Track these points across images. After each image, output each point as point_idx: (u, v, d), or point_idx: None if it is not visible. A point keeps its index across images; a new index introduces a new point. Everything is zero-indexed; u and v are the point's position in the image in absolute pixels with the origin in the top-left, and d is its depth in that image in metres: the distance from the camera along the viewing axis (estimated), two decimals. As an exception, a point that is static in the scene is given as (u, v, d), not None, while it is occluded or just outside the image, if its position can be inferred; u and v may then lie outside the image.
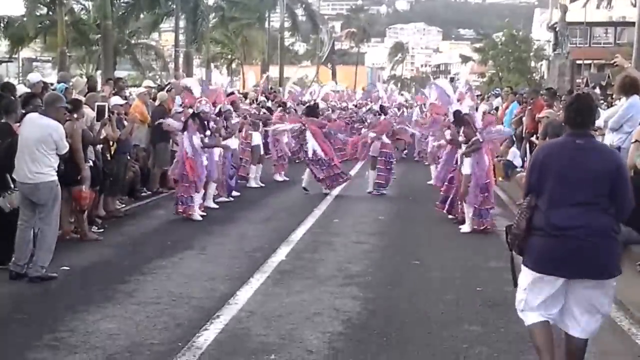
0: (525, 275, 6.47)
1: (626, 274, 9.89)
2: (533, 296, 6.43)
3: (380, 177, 19.63)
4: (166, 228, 14.52)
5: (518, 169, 20.86)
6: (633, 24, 25.99)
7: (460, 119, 14.95)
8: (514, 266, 6.67)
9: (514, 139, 21.75)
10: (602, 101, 17.40)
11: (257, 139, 21.03)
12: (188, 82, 17.37)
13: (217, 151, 16.34)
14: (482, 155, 14.33)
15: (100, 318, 8.57)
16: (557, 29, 48.46)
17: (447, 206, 15.56)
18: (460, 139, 14.95)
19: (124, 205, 16.25)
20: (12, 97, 11.90)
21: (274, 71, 62.89)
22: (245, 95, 23.93)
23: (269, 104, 26.07)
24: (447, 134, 15.92)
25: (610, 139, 12.05)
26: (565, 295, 6.36)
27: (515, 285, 6.61)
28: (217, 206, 16.61)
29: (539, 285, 6.36)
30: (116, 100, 15.73)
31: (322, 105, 25.83)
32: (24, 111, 11.14)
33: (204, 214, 15.50)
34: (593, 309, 6.34)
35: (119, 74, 41.35)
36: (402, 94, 41.28)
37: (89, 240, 12.62)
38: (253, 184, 20.55)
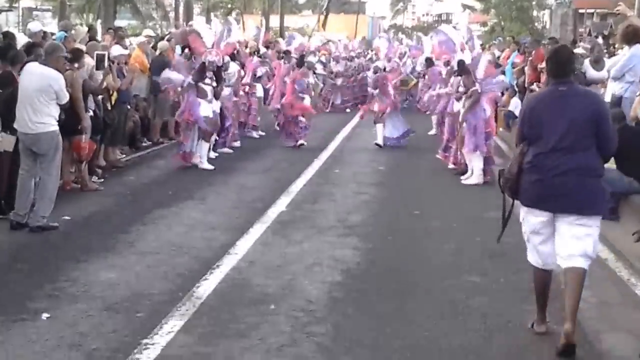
0: (521, 212, 7.02)
1: (626, 225, 9.98)
2: (528, 228, 6.96)
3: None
4: (166, 178, 14.51)
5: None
6: (638, -29, 25.73)
7: (464, 69, 14.87)
8: (505, 210, 7.36)
9: (516, 89, 21.63)
10: (605, 51, 17.20)
11: (259, 90, 20.96)
12: (200, 27, 17.19)
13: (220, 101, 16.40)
14: (482, 105, 14.30)
15: (101, 268, 8.59)
16: (559, -23, 48.14)
17: (450, 157, 15.56)
18: (461, 89, 14.93)
19: (124, 156, 16.22)
20: (18, 49, 11.81)
21: (274, 20, 62.51)
22: (246, 45, 23.76)
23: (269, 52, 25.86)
24: (449, 86, 15.95)
25: (612, 88, 12.02)
26: (554, 234, 6.71)
27: (504, 226, 7.44)
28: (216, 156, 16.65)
29: (531, 220, 6.85)
30: (117, 49, 15.62)
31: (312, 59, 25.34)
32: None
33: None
34: (579, 245, 6.55)
35: (119, 23, 41.05)
36: (403, 41, 40.93)
37: (90, 190, 12.62)
38: (254, 134, 20.51)
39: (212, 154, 16.44)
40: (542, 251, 6.84)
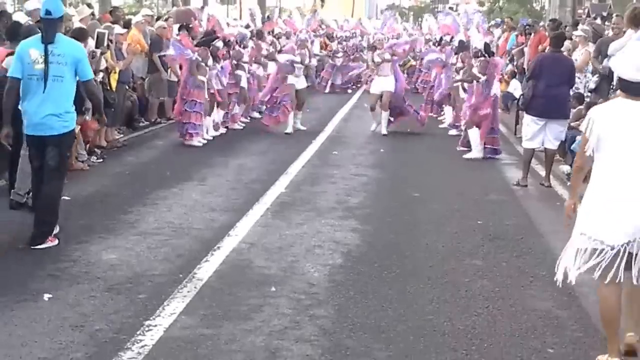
0: (527, 119, 12.67)
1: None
2: (530, 130, 12.46)
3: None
4: (165, 158, 14.50)
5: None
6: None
7: (462, 47, 16.74)
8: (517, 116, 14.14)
9: (515, 70, 21.60)
10: (605, 31, 17.15)
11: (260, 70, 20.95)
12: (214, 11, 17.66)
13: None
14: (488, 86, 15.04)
15: (102, 248, 8.58)
16: (557, -43, 47.82)
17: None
18: (459, 64, 16.82)
19: (122, 135, 16.17)
20: (29, 24, 11.70)
21: (271, 0, 62.24)
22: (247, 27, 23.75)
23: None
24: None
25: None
26: (545, 130, 12.38)
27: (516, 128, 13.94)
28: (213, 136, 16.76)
29: (532, 124, 12.44)
30: (117, 29, 15.59)
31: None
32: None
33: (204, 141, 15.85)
34: (558, 135, 12.52)
35: (115, 2, 40.86)
36: (401, 24, 40.81)
37: (75, 169, 12.33)
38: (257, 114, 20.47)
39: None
40: (535, 137, 12.49)
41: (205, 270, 7.93)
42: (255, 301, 7.09)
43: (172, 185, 11.88)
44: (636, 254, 5.62)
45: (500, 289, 7.57)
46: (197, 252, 8.56)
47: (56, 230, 8.77)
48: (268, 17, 26.93)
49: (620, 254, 5.61)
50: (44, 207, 8.73)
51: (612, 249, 5.63)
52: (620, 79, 5.98)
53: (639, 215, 5.59)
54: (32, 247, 8.45)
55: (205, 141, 15.91)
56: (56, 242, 8.63)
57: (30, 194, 10.01)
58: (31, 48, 8.62)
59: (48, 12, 8.59)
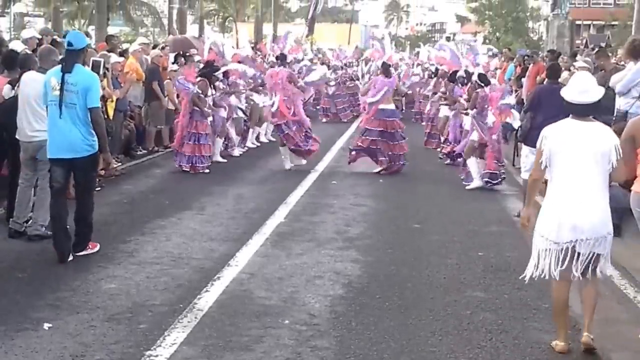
0: (525, 150, 12.62)
1: (631, 242, 9.96)
2: (529, 162, 11.63)
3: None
4: (163, 187, 14.49)
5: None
6: (634, -16, 25.87)
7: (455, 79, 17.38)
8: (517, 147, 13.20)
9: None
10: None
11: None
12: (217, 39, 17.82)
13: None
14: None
15: (101, 278, 8.56)
16: (556, -11, 48.11)
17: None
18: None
19: (120, 164, 16.14)
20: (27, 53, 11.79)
21: (267, 28, 62.51)
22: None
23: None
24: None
25: (618, 103, 11.99)
26: None
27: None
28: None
29: (530, 155, 11.53)
30: (113, 58, 15.64)
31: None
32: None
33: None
34: None
35: (111, 30, 40.99)
36: (398, 52, 41.01)
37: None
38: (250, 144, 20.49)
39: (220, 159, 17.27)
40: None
41: (206, 300, 7.89)
42: (256, 332, 7.06)
43: (171, 215, 11.85)
44: (579, 253, 6.64)
45: (502, 321, 7.54)
46: (197, 282, 8.52)
47: (97, 248, 9.63)
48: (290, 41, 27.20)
49: (564, 251, 6.68)
50: (81, 220, 9.54)
51: (558, 245, 6.68)
52: (567, 103, 6.96)
53: (582, 218, 6.62)
54: (75, 254, 9.30)
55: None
56: (97, 247, 9.64)
57: (29, 222, 10.05)
58: (52, 76, 9.28)
59: (70, 44, 9.35)
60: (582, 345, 6.75)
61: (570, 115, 6.93)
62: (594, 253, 6.69)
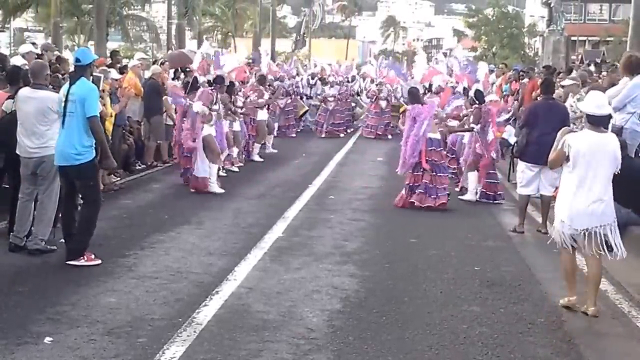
0: (521, 166, 12.78)
1: (626, 257, 9.98)
2: (525, 177, 12.62)
3: None
4: (162, 202, 14.55)
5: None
6: (629, 0, 25.94)
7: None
8: (513, 163, 14.46)
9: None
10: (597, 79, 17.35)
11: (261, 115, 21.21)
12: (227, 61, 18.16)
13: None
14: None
15: (101, 292, 8.60)
16: (551, 5, 48.32)
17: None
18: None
19: (119, 179, 16.23)
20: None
21: (265, 44, 62.65)
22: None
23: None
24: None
25: (614, 119, 12.03)
26: (539, 176, 12.49)
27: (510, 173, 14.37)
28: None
29: (527, 171, 12.58)
30: (113, 74, 15.73)
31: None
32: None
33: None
34: (553, 182, 12.26)
35: (110, 45, 41.12)
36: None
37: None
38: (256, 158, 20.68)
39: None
40: (529, 183, 12.69)
41: (205, 314, 7.94)
42: (254, 346, 7.11)
43: (170, 229, 11.91)
44: (589, 236, 8.24)
45: (498, 335, 7.59)
46: (195, 296, 8.57)
47: (94, 262, 9.74)
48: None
49: (581, 235, 8.29)
50: (78, 228, 9.93)
51: (577, 230, 8.30)
52: (586, 115, 8.47)
53: (597, 208, 8.27)
54: (67, 262, 9.63)
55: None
56: (98, 261, 9.77)
57: (30, 236, 10.12)
58: (63, 89, 9.97)
59: (77, 60, 10.04)
60: (588, 314, 8.19)
61: (588, 126, 8.45)
62: (603, 234, 8.26)
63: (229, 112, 17.47)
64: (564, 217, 8.38)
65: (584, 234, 8.25)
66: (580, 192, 8.29)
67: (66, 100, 9.68)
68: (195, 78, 16.65)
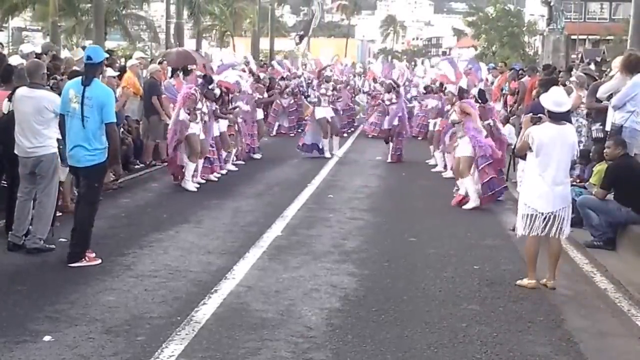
0: (522, 165, 11.94)
1: (625, 255, 10.02)
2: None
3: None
4: (161, 200, 14.55)
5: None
6: (629, -1, 25.99)
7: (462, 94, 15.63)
8: (514, 162, 13.59)
9: (509, 115, 21.74)
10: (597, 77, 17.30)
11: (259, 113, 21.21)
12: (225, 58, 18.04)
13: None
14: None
15: (99, 290, 8.60)
16: (551, 4, 48.26)
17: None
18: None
19: (117, 178, 16.18)
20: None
21: (264, 43, 62.63)
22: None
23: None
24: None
25: (613, 117, 12.01)
26: None
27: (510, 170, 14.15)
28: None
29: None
30: (110, 72, 15.70)
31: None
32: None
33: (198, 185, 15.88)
34: None
35: (108, 44, 41.07)
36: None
37: (70, 211, 12.32)
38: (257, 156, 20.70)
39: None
40: None
41: (203, 313, 7.94)
42: (253, 344, 7.10)
43: (168, 228, 11.91)
44: (553, 219, 9.03)
45: (497, 334, 7.59)
46: (194, 294, 8.56)
47: (95, 262, 9.67)
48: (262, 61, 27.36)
49: (545, 218, 9.03)
50: (76, 230, 9.74)
51: (542, 214, 9.04)
52: (547, 110, 9.12)
53: (559, 193, 9.05)
54: (69, 265, 9.50)
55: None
56: (99, 261, 9.72)
57: (28, 235, 10.11)
58: (71, 88, 9.70)
59: (89, 58, 9.77)
60: (547, 286, 9.12)
61: (548, 120, 9.12)
62: (563, 217, 9.07)
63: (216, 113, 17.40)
64: (528, 200, 9.17)
65: (549, 216, 9.03)
66: (544, 177, 9.01)
67: (82, 104, 9.50)
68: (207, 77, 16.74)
